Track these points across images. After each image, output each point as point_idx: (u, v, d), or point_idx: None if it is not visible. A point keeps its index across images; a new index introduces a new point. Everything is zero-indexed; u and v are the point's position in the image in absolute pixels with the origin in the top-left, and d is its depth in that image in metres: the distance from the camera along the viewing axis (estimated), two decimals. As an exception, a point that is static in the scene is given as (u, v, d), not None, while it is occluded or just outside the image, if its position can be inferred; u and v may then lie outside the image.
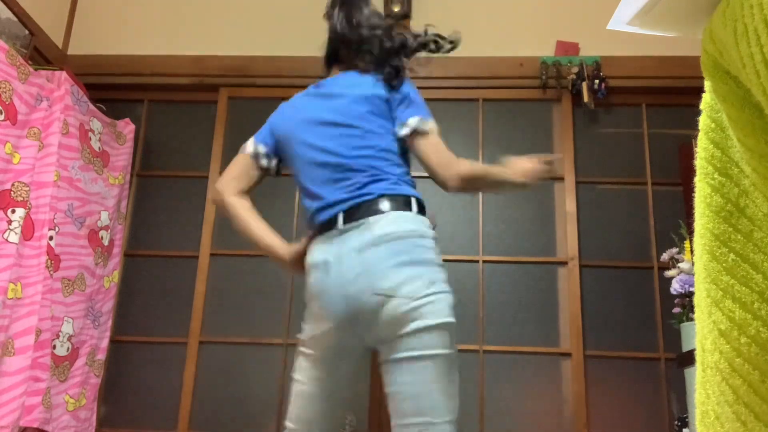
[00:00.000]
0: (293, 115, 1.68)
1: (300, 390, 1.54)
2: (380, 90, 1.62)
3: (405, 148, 1.62)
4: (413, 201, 1.53)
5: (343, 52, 1.73)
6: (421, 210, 1.54)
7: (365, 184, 1.52)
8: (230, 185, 1.66)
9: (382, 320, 1.42)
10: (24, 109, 2.33)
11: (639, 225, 2.83)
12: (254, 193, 1.73)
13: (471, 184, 1.57)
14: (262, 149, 1.69)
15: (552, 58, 2.93)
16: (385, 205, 1.48)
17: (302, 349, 1.55)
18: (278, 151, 1.70)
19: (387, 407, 2.67)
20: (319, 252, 1.50)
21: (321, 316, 1.48)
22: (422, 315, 1.40)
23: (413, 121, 1.59)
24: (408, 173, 1.60)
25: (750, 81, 0.41)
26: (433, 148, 1.58)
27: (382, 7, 3.06)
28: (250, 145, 1.71)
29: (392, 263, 1.41)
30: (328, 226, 1.50)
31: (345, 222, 1.48)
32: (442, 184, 1.58)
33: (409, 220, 1.48)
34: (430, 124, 1.61)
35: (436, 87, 2.99)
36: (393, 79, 1.62)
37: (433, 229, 1.55)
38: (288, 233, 2.87)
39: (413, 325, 1.40)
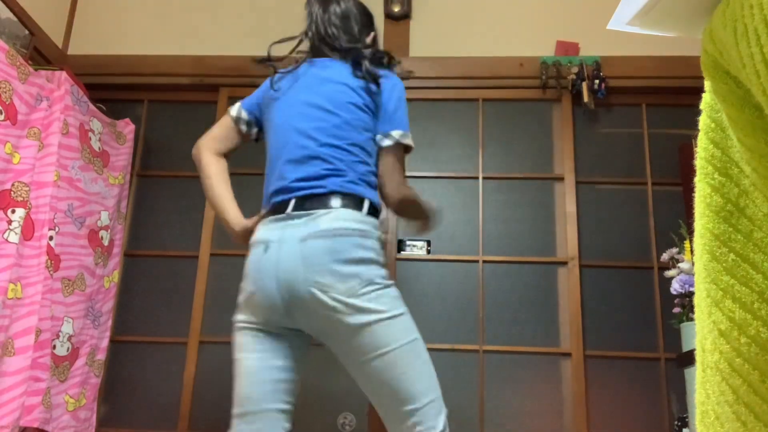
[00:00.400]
0: (286, 88, 1.70)
1: (245, 366, 1.48)
2: (369, 86, 1.65)
3: (376, 150, 1.66)
4: (366, 202, 1.55)
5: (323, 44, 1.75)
6: (373, 212, 1.56)
7: (323, 176, 1.54)
8: (210, 144, 1.70)
9: (319, 315, 1.43)
10: (24, 109, 2.33)
11: (639, 225, 2.83)
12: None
13: (405, 206, 1.63)
14: (245, 115, 1.73)
15: (552, 58, 2.93)
16: (335, 201, 1.51)
17: (240, 325, 1.52)
18: (261, 118, 1.73)
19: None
20: (263, 231, 1.52)
21: (252, 293, 1.49)
22: (363, 312, 1.42)
23: (397, 134, 1.63)
24: (373, 173, 1.62)
25: (750, 81, 0.41)
26: (399, 165, 1.63)
27: (383, 8, 3.06)
28: (234, 109, 1.74)
29: (330, 259, 1.43)
30: (280, 209, 1.53)
31: (295, 209, 1.51)
32: (386, 197, 1.62)
33: (356, 220, 1.49)
34: (409, 140, 1.65)
35: (436, 87, 2.99)
36: (370, 81, 1.65)
37: (384, 233, 1.57)
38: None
39: (356, 323, 1.41)
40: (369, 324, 1.42)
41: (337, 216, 1.48)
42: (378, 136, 1.63)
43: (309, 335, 1.56)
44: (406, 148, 1.66)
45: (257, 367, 1.47)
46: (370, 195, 1.57)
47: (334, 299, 1.41)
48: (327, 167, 1.55)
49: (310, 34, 1.75)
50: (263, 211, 1.60)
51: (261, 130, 1.75)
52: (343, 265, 1.43)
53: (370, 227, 1.51)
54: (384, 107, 1.64)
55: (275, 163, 1.61)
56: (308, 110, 1.61)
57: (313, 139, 1.57)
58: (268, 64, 1.74)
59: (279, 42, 1.73)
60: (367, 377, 1.45)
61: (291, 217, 1.50)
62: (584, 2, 3.06)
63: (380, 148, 1.63)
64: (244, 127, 1.73)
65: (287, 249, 1.46)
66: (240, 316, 1.53)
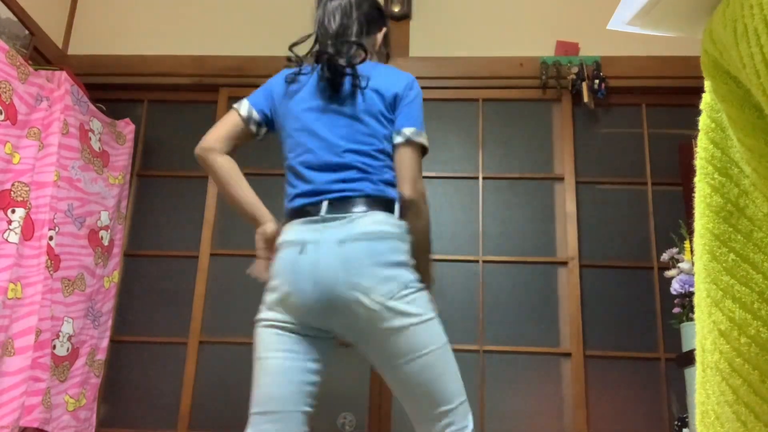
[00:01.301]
0: (299, 94, 1.64)
1: (272, 365, 1.46)
2: (396, 88, 1.62)
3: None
4: (396, 205, 1.55)
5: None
6: (402, 215, 1.56)
7: (355, 180, 1.53)
8: (218, 145, 1.62)
9: (359, 318, 1.43)
10: (24, 109, 2.33)
11: (639, 225, 2.83)
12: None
13: (414, 206, 1.59)
14: (255, 115, 1.66)
15: (552, 58, 2.93)
16: (370, 204, 1.51)
17: (267, 323, 1.50)
18: (272, 119, 1.68)
19: (385, 407, 2.66)
20: (296, 233, 1.50)
21: (288, 293, 1.46)
22: (402, 315, 1.42)
23: (408, 131, 1.60)
24: (394, 177, 1.60)
25: (750, 81, 0.41)
26: (412, 161, 1.59)
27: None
28: (244, 109, 1.66)
29: (370, 262, 1.43)
30: (310, 211, 1.51)
31: (329, 212, 1.49)
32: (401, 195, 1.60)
33: (390, 223, 1.50)
34: (422, 138, 1.61)
35: (436, 87, 2.99)
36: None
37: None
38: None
39: (394, 323, 1.41)
40: (407, 327, 1.43)
41: (374, 219, 1.48)
42: (392, 133, 1.61)
43: (333, 338, 1.55)
44: (423, 150, 1.62)
45: (286, 367, 1.46)
46: (397, 197, 1.57)
47: (375, 302, 1.41)
48: (357, 171, 1.54)
49: (317, 33, 1.69)
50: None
51: (269, 129, 1.70)
52: (382, 268, 1.43)
53: (403, 230, 1.52)
54: (402, 102, 1.62)
55: (297, 166, 1.59)
56: (333, 118, 1.59)
57: (339, 147, 1.56)
58: (290, 63, 1.70)
59: (297, 43, 1.68)
60: (402, 380, 1.45)
61: (326, 220, 1.49)
62: (584, 2, 3.06)
63: (394, 146, 1.60)
64: (253, 128, 1.66)
65: (326, 251, 1.44)
66: (268, 314, 1.50)
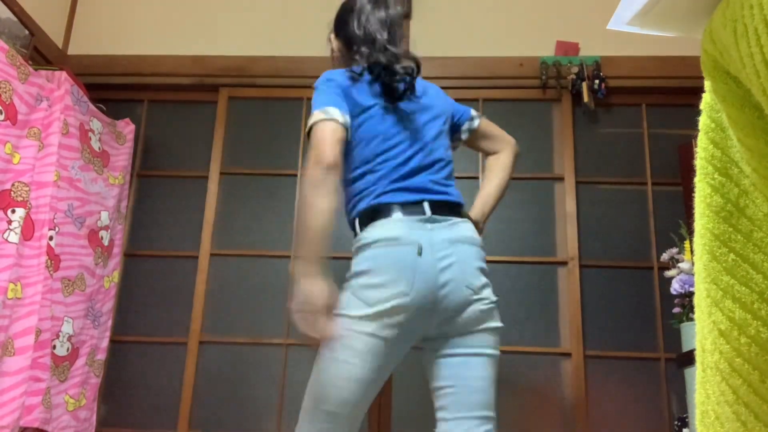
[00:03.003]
0: (370, 99, 1.61)
1: (356, 373, 1.41)
2: (446, 101, 1.81)
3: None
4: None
5: None
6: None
7: (448, 185, 1.61)
8: (340, 164, 1.50)
9: (465, 315, 1.47)
10: (24, 109, 2.33)
11: (639, 225, 2.83)
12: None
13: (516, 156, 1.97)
14: (348, 121, 1.56)
15: (552, 58, 2.93)
16: (463, 211, 1.59)
17: (358, 328, 1.41)
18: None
19: (386, 406, 2.66)
20: (401, 229, 1.46)
21: (404, 294, 1.41)
22: (494, 317, 1.52)
23: (474, 112, 1.85)
24: None
25: (750, 81, 0.41)
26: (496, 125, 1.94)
27: (382, 7, 3.06)
28: (338, 114, 1.52)
29: (477, 265, 1.50)
30: (412, 209, 1.50)
31: (433, 212, 1.51)
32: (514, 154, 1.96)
33: (477, 232, 1.59)
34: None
35: (436, 87, 2.99)
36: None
37: None
38: (287, 233, 2.87)
39: (490, 324, 1.50)
40: (496, 329, 1.53)
41: (470, 227, 1.55)
42: (465, 126, 1.81)
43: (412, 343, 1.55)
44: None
45: (372, 380, 1.44)
46: None
47: (482, 303, 1.49)
48: (448, 174, 1.63)
49: (370, 39, 1.69)
50: (367, 204, 1.55)
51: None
52: (483, 272, 1.52)
53: None
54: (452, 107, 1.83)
55: (384, 166, 1.55)
56: (421, 118, 1.66)
57: (434, 147, 1.63)
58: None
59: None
60: (472, 368, 1.48)
61: (432, 220, 1.50)
62: (584, 2, 3.06)
63: (475, 128, 1.83)
64: (348, 135, 1.57)
65: (441, 252, 1.46)
66: (371, 321, 1.41)
